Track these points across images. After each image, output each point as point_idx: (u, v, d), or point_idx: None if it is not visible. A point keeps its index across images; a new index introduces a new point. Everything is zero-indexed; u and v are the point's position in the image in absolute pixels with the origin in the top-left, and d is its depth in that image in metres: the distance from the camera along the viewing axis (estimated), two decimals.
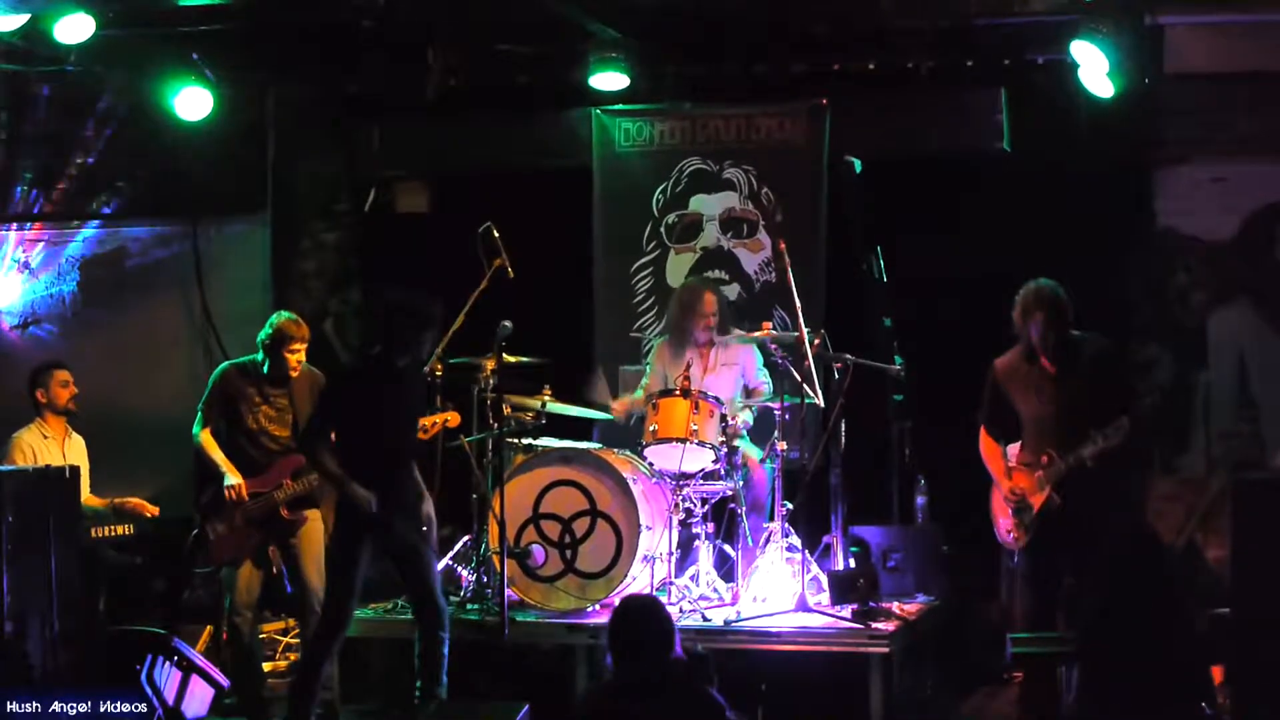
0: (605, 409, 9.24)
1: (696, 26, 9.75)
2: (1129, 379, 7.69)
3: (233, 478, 8.24)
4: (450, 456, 8.65)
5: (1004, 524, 7.90)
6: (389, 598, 8.67)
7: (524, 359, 8.59)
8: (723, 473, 8.74)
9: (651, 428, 8.71)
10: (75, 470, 8.25)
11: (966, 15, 9.47)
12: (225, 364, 8.60)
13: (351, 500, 7.43)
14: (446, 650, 7.60)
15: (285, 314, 8.44)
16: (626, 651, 5.82)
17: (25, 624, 7.57)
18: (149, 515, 9.01)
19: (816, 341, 8.70)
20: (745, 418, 9.08)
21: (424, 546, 7.67)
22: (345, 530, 7.55)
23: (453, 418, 8.38)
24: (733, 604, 8.52)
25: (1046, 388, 7.72)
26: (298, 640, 9.06)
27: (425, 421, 8.14)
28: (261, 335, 8.34)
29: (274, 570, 8.34)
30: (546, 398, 8.84)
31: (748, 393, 9.16)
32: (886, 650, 7.96)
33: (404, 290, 7.76)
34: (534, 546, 8.57)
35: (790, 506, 8.64)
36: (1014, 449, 7.92)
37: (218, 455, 8.30)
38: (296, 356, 8.30)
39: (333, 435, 7.53)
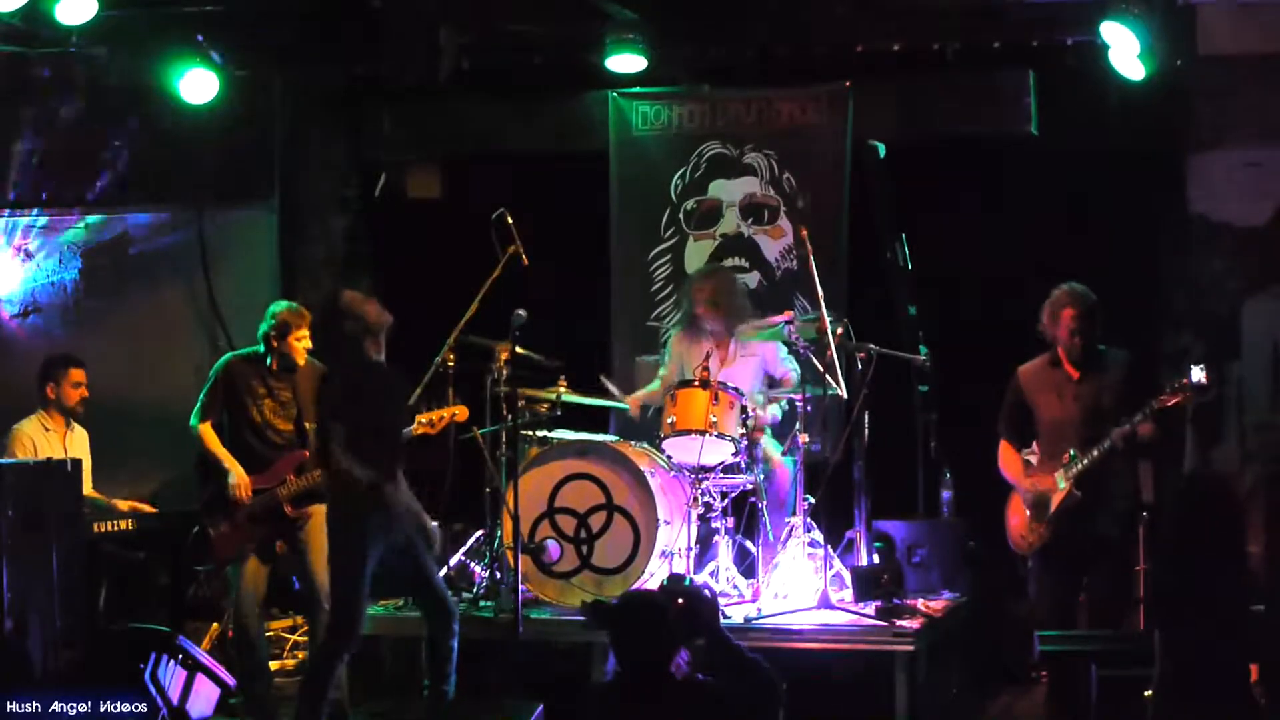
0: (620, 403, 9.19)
1: (715, 7, 9.66)
2: (1151, 385, 7.62)
3: (236, 475, 8.09)
4: (463, 449, 8.48)
5: (1017, 528, 7.92)
6: (398, 595, 8.49)
7: (538, 357, 8.46)
8: (743, 466, 8.63)
9: (670, 420, 8.58)
10: (77, 463, 8.26)
11: None
12: (228, 355, 8.47)
13: (383, 501, 7.21)
14: (455, 647, 7.48)
15: (283, 303, 8.31)
16: (627, 650, 5.59)
17: (25, 621, 7.53)
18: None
19: (839, 331, 8.59)
20: (774, 411, 8.90)
21: (422, 542, 7.53)
22: (351, 542, 7.31)
23: (460, 412, 8.18)
24: (753, 600, 8.40)
25: (1068, 391, 7.80)
26: (305, 638, 8.94)
27: (432, 416, 8.00)
28: (263, 328, 8.19)
29: (279, 552, 8.20)
30: (561, 389, 8.74)
31: (772, 383, 9.01)
32: (911, 648, 7.87)
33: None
34: (549, 542, 8.46)
35: (812, 501, 8.56)
36: (1029, 453, 7.94)
37: (219, 449, 8.15)
38: (303, 344, 8.17)
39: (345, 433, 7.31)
